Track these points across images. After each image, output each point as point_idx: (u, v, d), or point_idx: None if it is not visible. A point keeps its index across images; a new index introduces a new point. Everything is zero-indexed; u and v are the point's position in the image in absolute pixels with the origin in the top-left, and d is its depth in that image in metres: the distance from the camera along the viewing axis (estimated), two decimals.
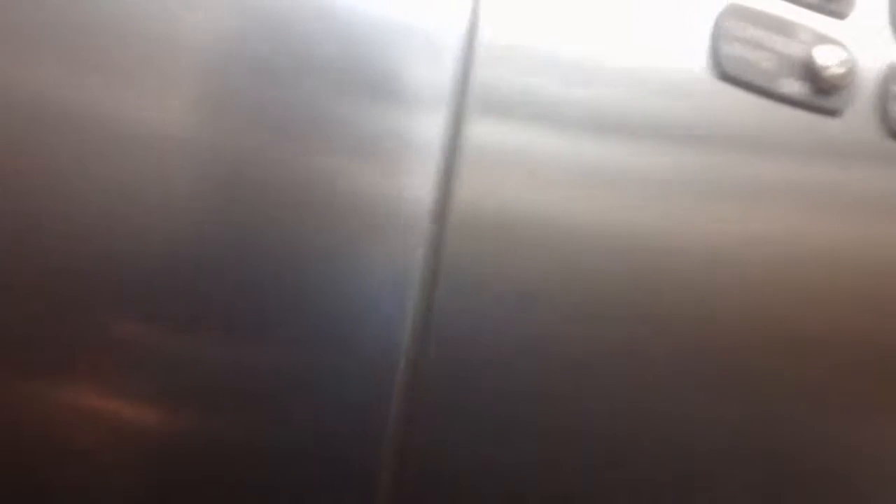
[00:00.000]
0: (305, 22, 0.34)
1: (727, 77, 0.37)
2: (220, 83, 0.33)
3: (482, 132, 0.36)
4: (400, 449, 0.35)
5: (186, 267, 0.33)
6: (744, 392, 0.38)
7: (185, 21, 0.33)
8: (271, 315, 0.33)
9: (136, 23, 0.32)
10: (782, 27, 0.39)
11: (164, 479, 0.33)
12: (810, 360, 0.39)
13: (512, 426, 0.36)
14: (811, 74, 0.39)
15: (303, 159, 0.34)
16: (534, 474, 0.37)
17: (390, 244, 0.35)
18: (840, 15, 0.40)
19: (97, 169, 0.32)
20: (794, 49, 0.39)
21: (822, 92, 0.39)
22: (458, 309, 0.35)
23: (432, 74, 0.35)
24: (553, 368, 0.36)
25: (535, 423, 0.36)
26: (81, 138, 0.32)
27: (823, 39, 0.39)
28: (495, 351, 0.36)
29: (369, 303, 0.35)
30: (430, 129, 0.35)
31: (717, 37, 0.37)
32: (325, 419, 0.34)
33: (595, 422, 0.37)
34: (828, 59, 0.39)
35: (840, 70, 0.39)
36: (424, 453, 0.35)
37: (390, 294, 0.35)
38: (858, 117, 0.40)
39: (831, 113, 0.39)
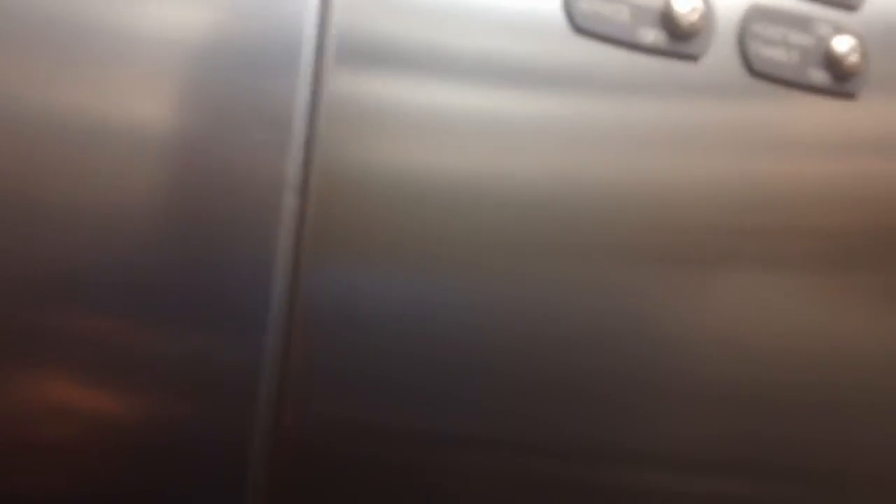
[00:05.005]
0: None
1: (582, 31, 0.39)
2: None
3: (342, 87, 0.36)
4: (273, 427, 0.35)
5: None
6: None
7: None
8: (150, 298, 0.34)
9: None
10: None
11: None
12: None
13: (386, 389, 0.36)
14: (668, 22, 0.40)
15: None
16: (411, 439, 0.37)
17: (253, 218, 0.35)
18: None
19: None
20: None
21: (680, 38, 0.40)
22: (325, 277, 0.36)
23: (289, 29, 0.35)
24: (427, 329, 0.37)
25: (410, 387, 0.37)
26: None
27: None
28: (366, 315, 0.36)
29: (237, 279, 0.35)
30: (288, 87, 0.35)
31: None
32: (199, 400, 0.34)
33: (471, 376, 0.37)
34: (684, 6, 0.40)
35: (696, 15, 0.40)
36: (297, 428, 0.35)
37: (258, 268, 0.35)
38: (719, 59, 0.41)
39: (691, 58, 0.41)
